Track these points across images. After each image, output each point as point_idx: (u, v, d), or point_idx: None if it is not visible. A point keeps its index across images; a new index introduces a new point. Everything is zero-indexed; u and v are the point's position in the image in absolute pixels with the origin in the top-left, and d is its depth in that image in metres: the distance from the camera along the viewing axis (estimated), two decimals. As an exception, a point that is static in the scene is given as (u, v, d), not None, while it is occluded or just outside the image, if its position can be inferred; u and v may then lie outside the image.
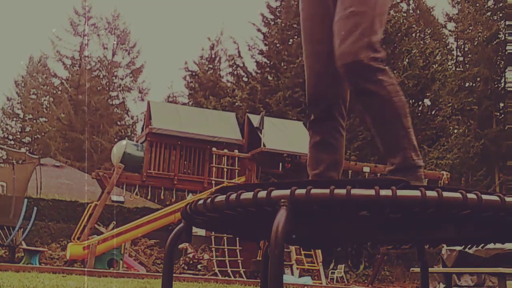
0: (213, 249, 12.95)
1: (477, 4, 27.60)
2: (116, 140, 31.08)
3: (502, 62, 25.92)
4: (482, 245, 1.71)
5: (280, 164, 14.08)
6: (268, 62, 27.57)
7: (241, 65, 29.91)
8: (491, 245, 1.71)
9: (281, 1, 28.51)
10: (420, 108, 25.21)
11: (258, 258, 12.64)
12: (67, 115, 34.80)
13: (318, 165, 1.89)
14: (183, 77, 33.74)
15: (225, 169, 13.54)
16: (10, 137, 38.15)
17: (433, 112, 25.01)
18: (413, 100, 24.42)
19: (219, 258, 12.80)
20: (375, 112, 1.72)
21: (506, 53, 24.48)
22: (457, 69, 30.16)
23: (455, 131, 26.02)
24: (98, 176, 13.86)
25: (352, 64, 1.67)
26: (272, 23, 28.50)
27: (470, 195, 1.26)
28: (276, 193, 1.29)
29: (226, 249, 12.72)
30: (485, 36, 25.96)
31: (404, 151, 1.67)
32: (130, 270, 12.08)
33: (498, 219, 1.35)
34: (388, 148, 1.71)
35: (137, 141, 15.69)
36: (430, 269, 6.95)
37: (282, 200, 1.25)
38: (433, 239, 1.82)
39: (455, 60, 31.80)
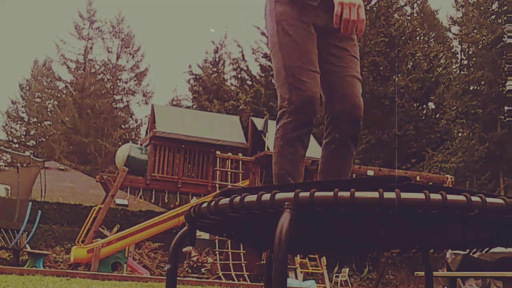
0: (217, 252, 12.92)
1: (482, 8, 27.56)
2: (120, 143, 31.14)
3: (507, 66, 25.85)
4: (486, 249, 1.70)
5: (284, 167, 14.00)
6: (272, 65, 27.55)
7: (245, 68, 29.91)
8: (496, 249, 1.70)
9: (285, 4, 28.49)
10: (424, 112, 25.14)
11: (262, 262, 12.61)
12: (72, 118, 34.87)
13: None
14: (187, 81, 33.82)
15: (229, 173, 13.51)
16: (15, 140, 38.22)
17: (437, 116, 24.93)
18: (417, 104, 24.36)
19: (223, 262, 12.78)
20: None
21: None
22: (462, 72, 30.11)
23: (460, 134, 25.94)
24: (102, 180, 13.88)
25: None
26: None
27: (474, 198, 1.25)
28: (280, 195, 1.29)
29: (230, 253, 12.70)
30: (489, 40, 25.91)
31: None
32: (134, 274, 12.07)
33: (502, 222, 1.35)
34: None
35: (141, 145, 15.71)
36: (435, 273, 6.93)
37: (286, 203, 1.25)
38: (437, 243, 1.81)
39: (459, 63, 31.74)
